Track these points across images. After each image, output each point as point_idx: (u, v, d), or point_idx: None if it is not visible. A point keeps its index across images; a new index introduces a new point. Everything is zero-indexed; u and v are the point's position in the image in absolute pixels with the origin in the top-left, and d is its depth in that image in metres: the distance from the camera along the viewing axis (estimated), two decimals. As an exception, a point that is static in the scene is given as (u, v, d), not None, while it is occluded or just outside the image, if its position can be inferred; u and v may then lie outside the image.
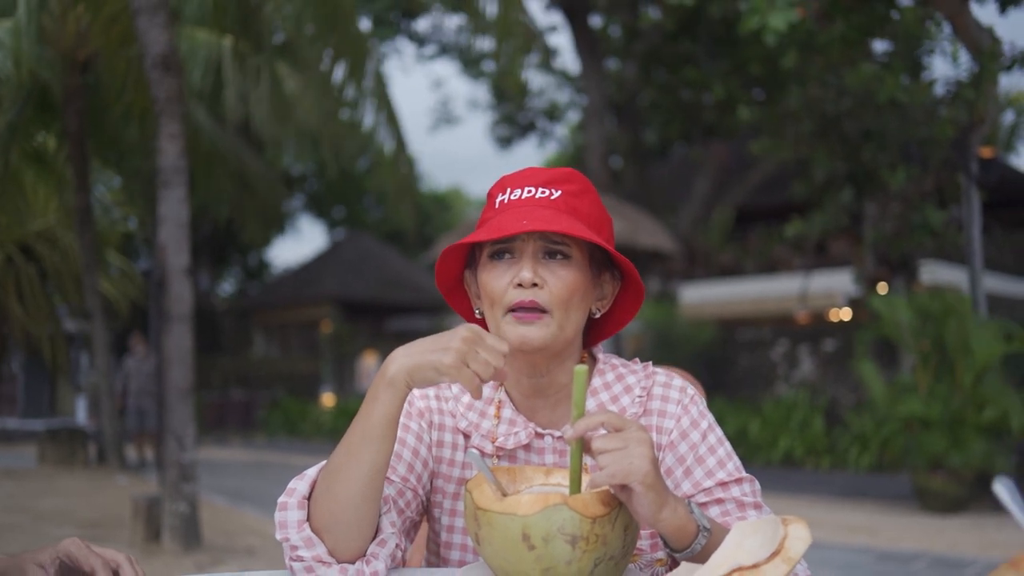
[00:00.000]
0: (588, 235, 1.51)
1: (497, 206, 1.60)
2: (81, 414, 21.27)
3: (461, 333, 1.39)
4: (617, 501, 1.31)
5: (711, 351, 17.28)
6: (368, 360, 25.73)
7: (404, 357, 1.41)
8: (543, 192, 1.57)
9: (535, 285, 1.53)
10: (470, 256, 1.69)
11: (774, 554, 1.19)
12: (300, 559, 1.42)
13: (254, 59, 11.37)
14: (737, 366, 17.48)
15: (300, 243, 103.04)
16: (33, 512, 9.56)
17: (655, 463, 1.31)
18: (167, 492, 7.66)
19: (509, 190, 1.60)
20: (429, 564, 1.74)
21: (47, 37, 11.34)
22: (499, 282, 1.55)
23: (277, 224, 29.99)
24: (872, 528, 9.30)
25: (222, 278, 34.63)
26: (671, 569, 1.48)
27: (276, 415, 24.06)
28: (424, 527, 1.81)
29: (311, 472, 1.49)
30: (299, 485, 1.47)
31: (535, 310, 1.53)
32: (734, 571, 1.18)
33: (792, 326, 17.51)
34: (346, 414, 21.54)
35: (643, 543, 1.59)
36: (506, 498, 1.32)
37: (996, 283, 17.16)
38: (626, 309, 1.71)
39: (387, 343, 26.35)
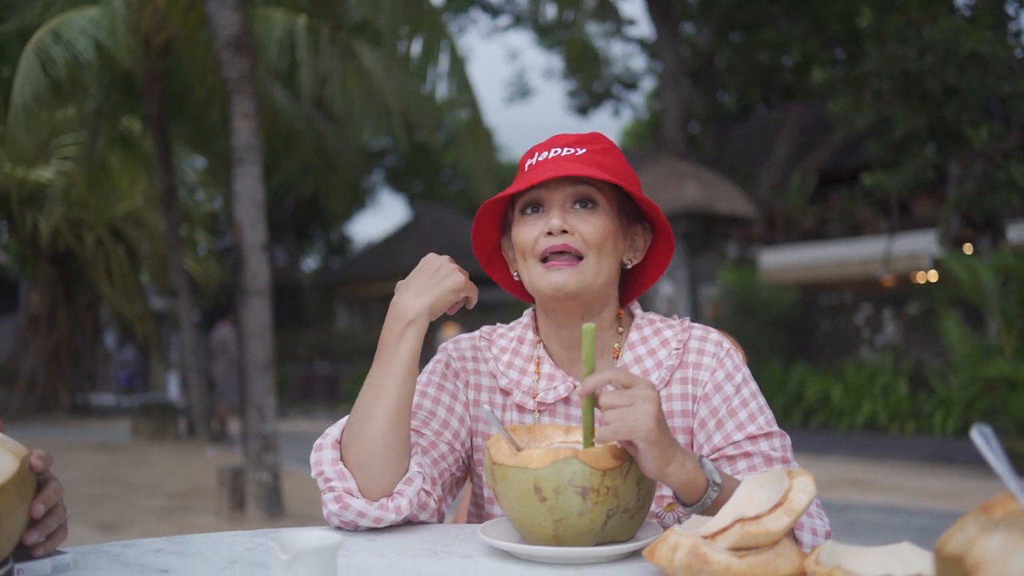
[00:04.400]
0: (613, 179, 1.58)
1: (526, 169, 1.67)
2: (173, 390, 21.85)
3: (441, 259, 1.65)
4: (628, 455, 1.34)
5: (792, 316, 17.05)
6: (448, 332, 25.95)
7: (417, 298, 1.59)
8: (569, 151, 1.65)
9: (564, 232, 1.59)
10: (505, 222, 1.75)
11: (776, 506, 1.22)
12: (332, 489, 1.53)
13: (329, 36, 11.50)
14: (819, 331, 17.24)
15: (382, 217, 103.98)
16: (126, 483, 9.92)
17: (660, 421, 1.34)
18: (250, 463, 7.88)
19: (537, 154, 1.68)
20: (476, 518, 1.80)
21: (127, 23, 11.60)
22: (530, 233, 1.63)
23: (358, 199, 30.36)
24: (955, 492, 9.14)
25: (306, 253, 35.17)
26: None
27: (360, 387, 24.38)
28: (468, 486, 1.88)
29: (344, 420, 1.61)
30: (333, 430, 1.60)
31: (567, 254, 1.60)
32: (736, 522, 1.21)
33: (875, 289, 17.18)
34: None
35: None
36: (520, 453, 1.36)
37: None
38: (659, 262, 1.76)
39: (466, 315, 26.51)
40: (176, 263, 14.23)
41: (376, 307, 27.98)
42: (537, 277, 1.62)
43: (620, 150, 1.70)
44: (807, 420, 15.33)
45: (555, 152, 1.65)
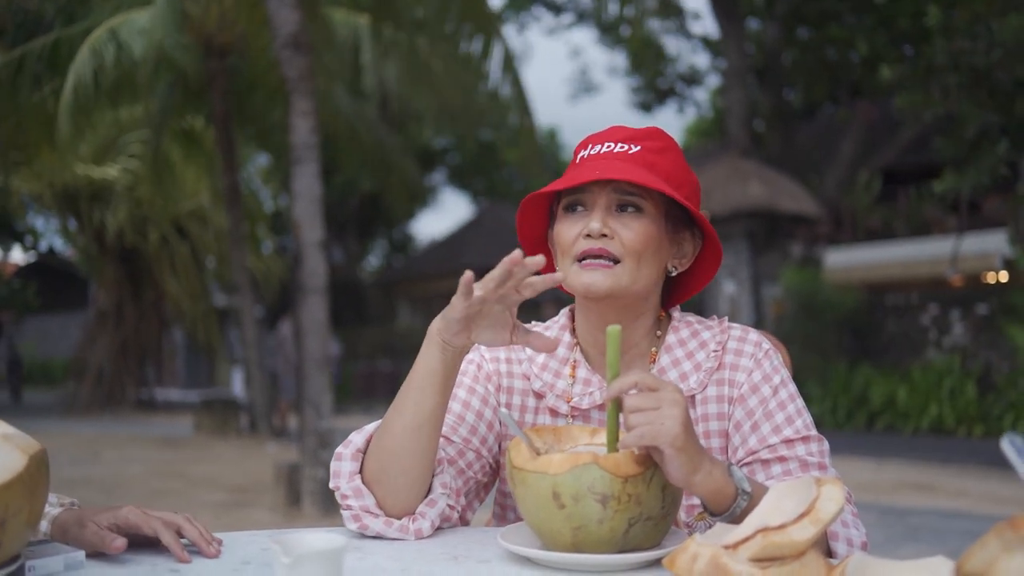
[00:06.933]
0: (660, 186, 1.50)
1: (578, 161, 1.61)
2: (237, 385, 22.13)
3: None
4: (652, 461, 1.29)
5: (857, 316, 16.77)
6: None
7: (440, 314, 1.48)
8: (622, 147, 1.58)
9: (604, 236, 1.53)
10: (552, 214, 1.70)
11: (802, 515, 1.16)
12: (349, 508, 1.51)
13: (390, 35, 11.54)
14: (885, 331, 16.92)
15: (445, 216, 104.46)
16: (187, 478, 10.05)
17: (687, 426, 1.28)
18: (306, 459, 7.93)
19: (591, 146, 1.61)
20: (500, 521, 1.77)
21: (191, 23, 11.76)
22: (569, 232, 1.57)
23: (420, 198, 30.49)
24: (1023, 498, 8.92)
25: (369, 252, 35.39)
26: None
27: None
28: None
29: (369, 427, 1.56)
30: (356, 438, 1.55)
31: (604, 258, 1.53)
32: (759, 532, 1.16)
33: (943, 290, 16.82)
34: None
35: None
36: (539, 457, 1.32)
37: None
38: (708, 270, 1.70)
39: (528, 312, 26.48)
40: (239, 260, 14.36)
41: (437, 305, 28.04)
42: (572, 276, 1.56)
43: (680, 148, 1.63)
44: (872, 422, 15.07)
45: (607, 147, 1.58)
